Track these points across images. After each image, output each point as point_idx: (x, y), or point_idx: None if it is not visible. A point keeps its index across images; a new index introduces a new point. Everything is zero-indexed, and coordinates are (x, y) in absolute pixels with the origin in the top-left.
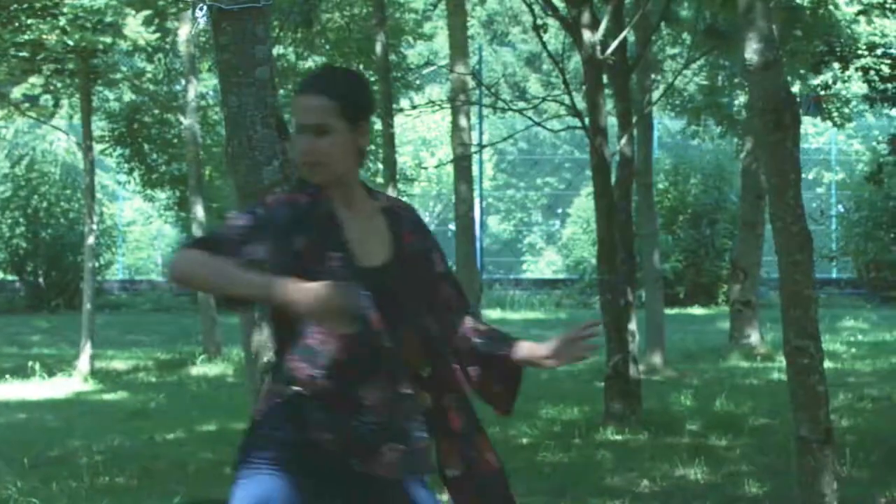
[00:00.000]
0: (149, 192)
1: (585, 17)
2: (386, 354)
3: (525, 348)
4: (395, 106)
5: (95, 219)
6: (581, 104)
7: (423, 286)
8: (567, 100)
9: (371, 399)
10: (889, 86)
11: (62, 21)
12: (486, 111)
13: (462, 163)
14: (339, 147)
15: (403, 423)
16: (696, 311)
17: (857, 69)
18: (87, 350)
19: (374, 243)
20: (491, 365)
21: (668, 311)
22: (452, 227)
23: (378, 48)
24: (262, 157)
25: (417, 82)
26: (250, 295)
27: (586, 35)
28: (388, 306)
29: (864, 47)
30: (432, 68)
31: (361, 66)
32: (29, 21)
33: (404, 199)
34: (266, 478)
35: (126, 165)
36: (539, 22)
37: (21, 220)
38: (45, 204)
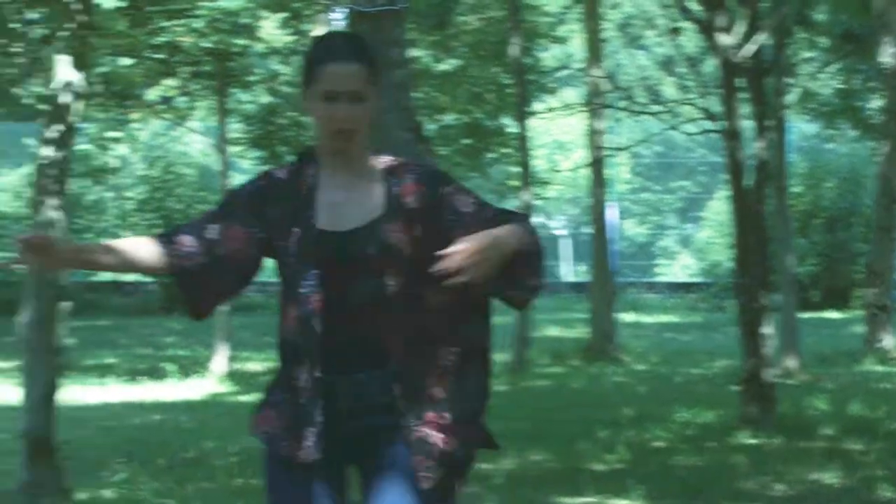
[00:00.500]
0: None
1: (721, 20)
2: (315, 338)
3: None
4: (529, 109)
5: None
6: (716, 107)
7: (436, 239)
8: (702, 103)
9: (301, 380)
10: None
11: (198, 23)
12: (621, 114)
13: (597, 166)
14: (370, 113)
15: (339, 407)
16: (831, 314)
17: None
18: (222, 351)
19: (354, 207)
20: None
21: (803, 315)
22: (587, 230)
23: (513, 51)
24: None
25: (552, 85)
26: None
27: (721, 38)
28: (350, 272)
29: None
30: (567, 71)
31: (496, 69)
32: (164, 23)
33: (538, 203)
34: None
35: (261, 168)
36: (674, 25)
37: (157, 222)
38: (180, 206)
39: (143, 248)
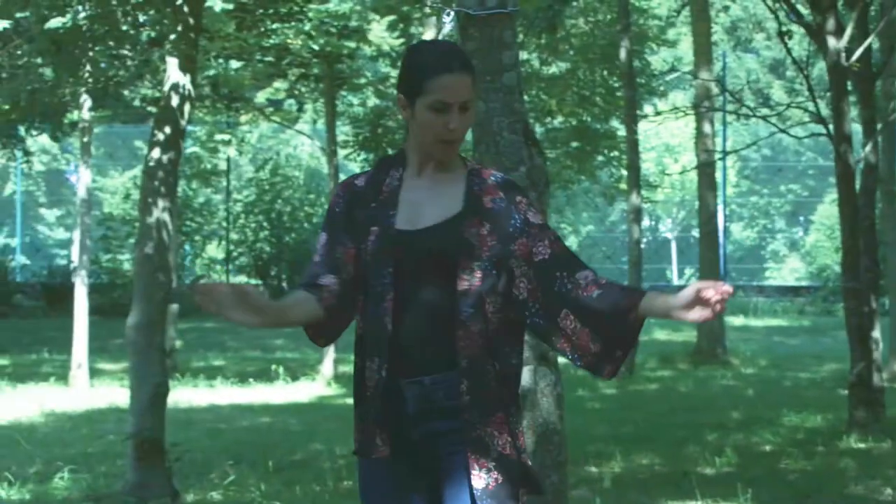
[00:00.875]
0: None
1: (830, 23)
2: (386, 336)
3: (659, 299)
4: (638, 112)
5: None
6: (825, 111)
7: (506, 241)
8: (811, 106)
9: (371, 379)
10: None
11: (307, 26)
12: (729, 118)
13: (706, 169)
14: (472, 120)
15: (407, 410)
16: None
17: None
18: (330, 354)
19: (435, 205)
20: (602, 318)
21: None
22: (696, 233)
23: (622, 54)
24: (509, 163)
25: (661, 88)
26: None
27: (831, 42)
28: (425, 270)
29: None
30: (676, 74)
31: (605, 72)
32: (274, 26)
33: (646, 205)
34: None
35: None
36: (784, 28)
37: (265, 224)
38: (288, 208)
39: (304, 303)
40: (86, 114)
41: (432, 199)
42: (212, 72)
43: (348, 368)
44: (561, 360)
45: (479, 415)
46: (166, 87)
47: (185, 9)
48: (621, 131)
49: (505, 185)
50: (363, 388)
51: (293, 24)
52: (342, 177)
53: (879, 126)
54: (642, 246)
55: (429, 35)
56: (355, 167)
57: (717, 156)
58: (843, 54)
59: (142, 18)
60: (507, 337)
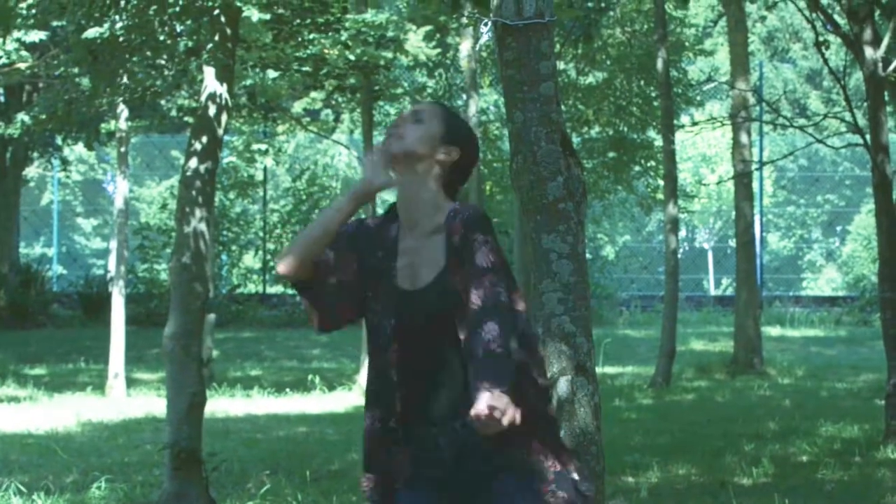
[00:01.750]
0: None
1: (867, 33)
2: (391, 388)
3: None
4: (675, 122)
5: None
6: (862, 121)
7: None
8: (848, 116)
9: (377, 429)
10: None
11: (344, 36)
12: (766, 128)
13: (742, 179)
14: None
15: (439, 456)
16: None
17: None
18: (365, 364)
19: (424, 263)
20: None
21: None
22: (732, 243)
23: (659, 64)
24: (547, 173)
25: (698, 98)
26: (341, 212)
27: (868, 52)
28: (427, 327)
29: None
30: (713, 84)
31: (642, 82)
32: (311, 36)
33: (683, 216)
34: None
35: None
36: (820, 38)
37: None
38: None
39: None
40: (123, 124)
41: (422, 256)
42: (249, 81)
43: None
44: (598, 370)
45: (518, 448)
46: (203, 97)
47: (223, 19)
48: (658, 141)
49: (467, 222)
50: (372, 438)
51: (330, 34)
52: None
53: None
54: (679, 256)
55: (466, 45)
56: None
57: (754, 166)
58: (881, 64)
59: (179, 28)
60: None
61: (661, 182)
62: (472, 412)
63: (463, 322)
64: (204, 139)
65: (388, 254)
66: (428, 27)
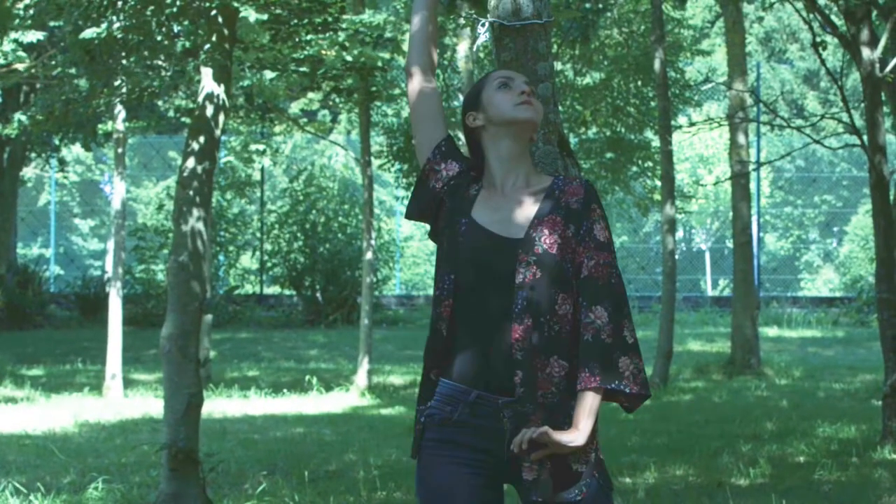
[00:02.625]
0: None
1: (864, 34)
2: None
3: (577, 410)
4: (673, 123)
5: (373, 234)
6: (859, 122)
7: (569, 244)
8: (845, 117)
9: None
10: None
11: (342, 37)
12: (763, 128)
13: (740, 180)
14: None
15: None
16: None
17: None
18: (364, 365)
19: (521, 216)
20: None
21: None
22: (730, 244)
23: (656, 64)
24: (544, 173)
25: (695, 99)
26: None
27: (865, 52)
28: (495, 280)
29: None
30: (710, 85)
31: (639, 83)
32: (308, 37)
33: (680, 216)
34: None
35: (404, 181)
36: (818, 39)
37: (299, 234)
38: (322, 219)
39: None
40: (120, 124)
41: (523, 211)
42: (246, 82)
43: (382, 379)
44: None
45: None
46: (200, 98)
47: (220, 19)
48: (655, 142)
49: (589, 190)
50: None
51: (328, 34)
52: (376, 187)
53: None
54: (676, 257)
55: (463, 46)
56: (389, 178)
57: (752, 167)
58: (878, 65)
59: (176, 29)
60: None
61: (658, 183)
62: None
63: (563, 283)
64: (201, 140)
65: (467, 204)
66: None
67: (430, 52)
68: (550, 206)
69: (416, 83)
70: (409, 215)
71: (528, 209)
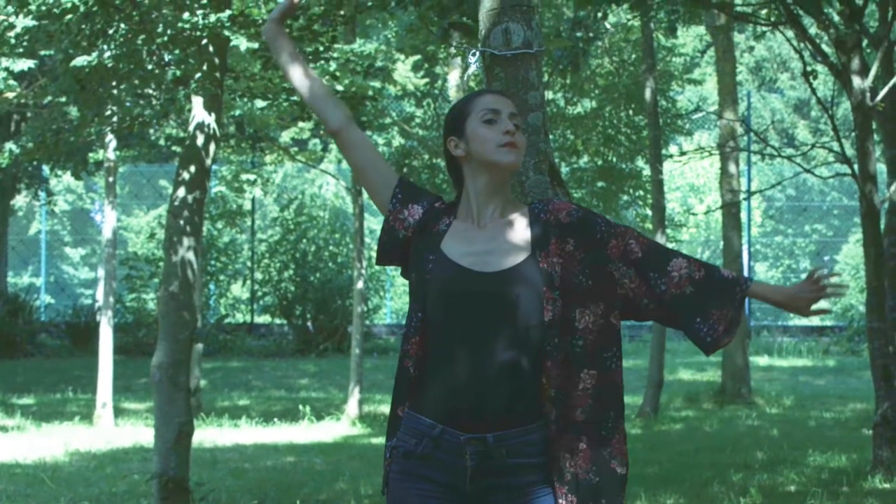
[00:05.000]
0: None
1: (855, 63)
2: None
3: (762, 287)
4: (663, 152)
5: (364, 263)
6: (850, 151)
7: (599, 246)
8: (836, 146)
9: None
10: None
11: (333, 66)
12: (754, 158)
13: (730, 209)
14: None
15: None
16: None
17: None
18: (355, 394)
19: (504, 251)
20: (710, 290)
21: None
22: None
23: (647, 93)
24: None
25: (686, 128)
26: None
27: (856, 81)
28: (496, 312)
29: None
30: (701, 114)
31: (630, 112)
32: None
33: (672, 245)
34: None
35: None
36: (808, 68)
37: (290, 264)
38: (313, 248)
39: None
40: (111, 153)
41: (499, 244)
42: (237, 111)
43: (373, 408)
44: None
45: (564, 452)
46: (191, 127)
47: (211, 48)
48: (646, 171)
49: (577, 206)
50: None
51: (319, 64)
52: (367, 217)
53: None
54: None
55: (454, 75)
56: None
57: (742, 196)
58: (868, 94)
59: (167, 57)
60: (606, 344)
61: (649, 212)
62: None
63: (580, 298)
64: (192, 169)
65: (436, 239)
66: (416, 57)
67: (335, 102)
68: (542, 230)
69: (344, 138)
70: (380, 262)
71: (505, 241)
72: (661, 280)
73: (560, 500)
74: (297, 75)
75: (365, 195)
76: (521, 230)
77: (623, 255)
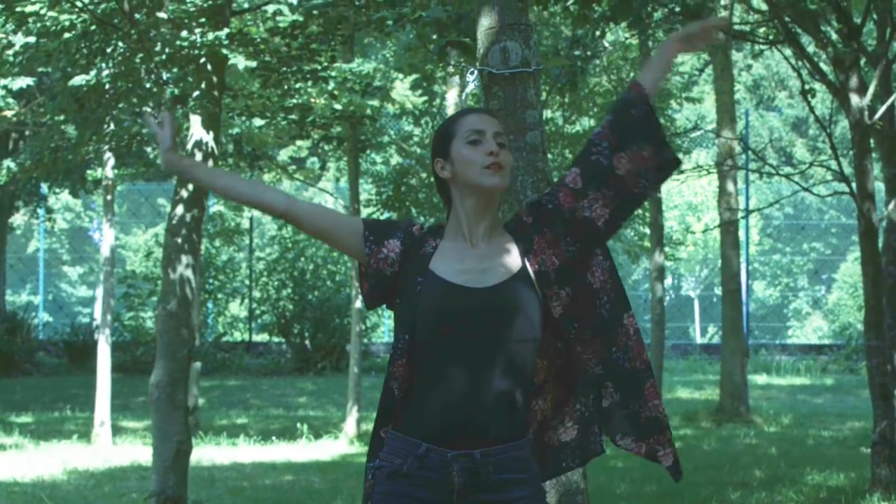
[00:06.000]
0: None
1: (853, 81)
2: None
3: (650, 64)
4: None
5: None
6: (848, 169)
7: (561, 214)
8: (834, 164)
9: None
10: None
11: (331, 85)
12: (752, 176)
13: (729, 227)
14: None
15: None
16: None
17: None
18: (353, 412)
19: (498, 267)
20: (629, 133)
21: None
22: (719, 291)
23: None
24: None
25: (684, 146)
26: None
27: (854, 100)
28: (491, 328)
29: None
30: (699, 132)
31: None
32: (298, 85)
33: (669, 264)
34: None
35: None
36: (807, 87)
37: (288, 282)
38: (311, 266)
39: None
40: (109, 171)
41: (491, 261)
42: (235, 129)
43: (371, 427)
44: None
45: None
46: (189, 145)
47: (209, 67)
48: None
49: (530, 219)
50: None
51: (318, 83)
52: None
53: None
54: (665, 304)
55: (452, 94)
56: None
57: (740, 214)
58: (867, 112)
59: (165, 76)
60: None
61: (647, 230)
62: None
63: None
64: (190, 187)
65: (423, 261)
66: (414, 76)
67: (269, 189)
68: (523, 240)
69: (295, 215)
70: (372, 306)
71: (497, 258)
72: (608, 173)
73: None
74: (224, 185)
75: (363, 213)
76: (509, 247)
77: (572, 192)
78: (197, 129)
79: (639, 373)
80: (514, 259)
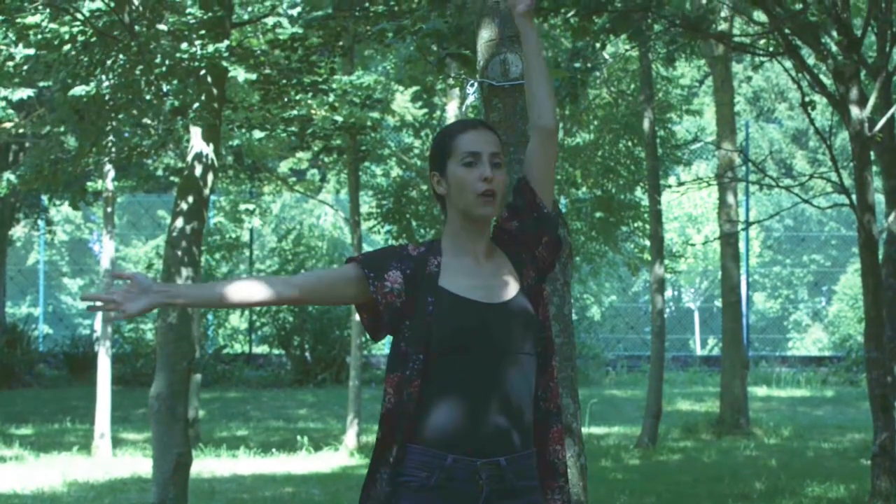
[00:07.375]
0: None
1: (853, 93)
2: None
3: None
4: (662, 182)
5: None
6: (848, 181)
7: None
8: (834, 176)
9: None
10: None
11: (331, 97)
12: (752, 188)
13: (729, 239)
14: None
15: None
16: None
17: None
18: (353, 425)
19: (503, 283)
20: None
21: None
22: (719, 303)
23: (645, 124)
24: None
25: (685, 158)
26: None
27: (854, 112)
28: (509, 340)
29: None
30: (699, 144)
31: (629, 142)
32: (298, 97)
33: (669, 276)
34: None
35: (393, 241)
36: (807, 98)
37: None
38: None
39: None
40: (109, 183)
41: (497, 277)
42: (235, 141)
43: (371, 438)
44: (584, 431)
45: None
46: (189, 157)
47: (209, 79)
48: (644, 201)
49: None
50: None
51: (318, 95)
52: (365, 247)
53: None
54: (665, 316)
55: (452, 106)
56: (378, 239)
57: (741, 226)
58: (867, 124)
59: (165, 88)
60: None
61: (647, 242)
62: None
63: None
64: (190, 199)
65: (430, 280)
66: (415, 88)
67: (279, 281)
68: (513, 251)
69: (305, 295)
70: (379, 338)
71: (501, 273)
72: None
73: None
74: (241, 297)
75: (364, 226)
76: (506, 262)
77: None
78: (197, 141)
79: (550, 415)
80: (514, 274)
